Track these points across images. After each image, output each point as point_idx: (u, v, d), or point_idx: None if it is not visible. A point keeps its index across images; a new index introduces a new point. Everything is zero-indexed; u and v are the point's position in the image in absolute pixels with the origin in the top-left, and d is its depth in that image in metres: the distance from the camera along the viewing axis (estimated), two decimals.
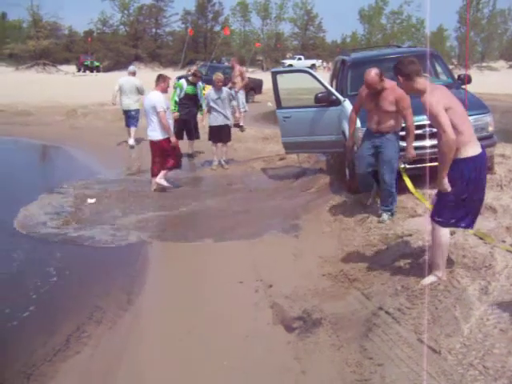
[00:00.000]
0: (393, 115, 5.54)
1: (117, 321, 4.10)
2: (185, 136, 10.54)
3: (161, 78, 7.92)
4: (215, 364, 3.48)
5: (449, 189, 3.62)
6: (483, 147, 3.77)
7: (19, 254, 5.48)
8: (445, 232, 3.77)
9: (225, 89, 9.78)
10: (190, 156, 10.78)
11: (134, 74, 12.22)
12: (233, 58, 15.22)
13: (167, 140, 7.71)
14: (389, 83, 5.50)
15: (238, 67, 14.03)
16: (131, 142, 11.90)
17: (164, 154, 7.78)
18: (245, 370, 3.39)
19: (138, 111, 11.84)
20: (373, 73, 5.44)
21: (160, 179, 7.81)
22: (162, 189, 7.86)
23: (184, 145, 10.68)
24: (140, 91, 11.80)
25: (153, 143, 7.85)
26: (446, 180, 3.62)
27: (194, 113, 10.52)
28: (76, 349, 3.69)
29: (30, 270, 5.14)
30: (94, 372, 3.46)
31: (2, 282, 4.88)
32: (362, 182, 6.10)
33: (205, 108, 9.80)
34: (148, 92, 8.87)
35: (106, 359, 3.59)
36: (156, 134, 7.73)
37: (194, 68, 10.77)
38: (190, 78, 10.51)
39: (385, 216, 5.55)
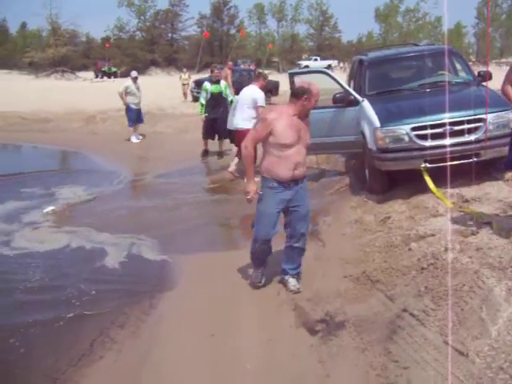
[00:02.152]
0: None
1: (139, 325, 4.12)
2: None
3: (260, 76, 8.59)
4: (238, 367, 3.47)
5: None
6: None
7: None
8: None
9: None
10: (220, 155, 10.89)
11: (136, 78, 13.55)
12: (229, 63, 15.71)
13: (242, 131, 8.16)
14: None
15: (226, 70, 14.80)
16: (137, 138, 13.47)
17: None
18: (268, 374, 3.37)
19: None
20: None
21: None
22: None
23: (214, 145, 11.05)
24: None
25: (239, 132, 8.19)
26: None
27: (222, 111, 10.53)
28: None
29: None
30: (118, 375, 3.48)
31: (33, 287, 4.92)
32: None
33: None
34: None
35: (129, 363, 3.60)
36: (246, 123, 7.95)
37: (212, 67, 10.99)
38: (212, 78, 10.70)
39: (293, 281, 4.57)
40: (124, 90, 13.14)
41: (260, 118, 4.22)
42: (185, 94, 22.41)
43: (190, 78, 23.66)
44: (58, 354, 3.73)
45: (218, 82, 10.67)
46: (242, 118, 8.34)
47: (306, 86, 4.30)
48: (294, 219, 4.42)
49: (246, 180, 4.21)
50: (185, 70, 26.01)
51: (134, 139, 13.45)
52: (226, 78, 14.22)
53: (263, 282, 4.64)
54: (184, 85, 23.03)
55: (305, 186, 4.46)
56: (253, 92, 8.25)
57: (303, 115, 4.31)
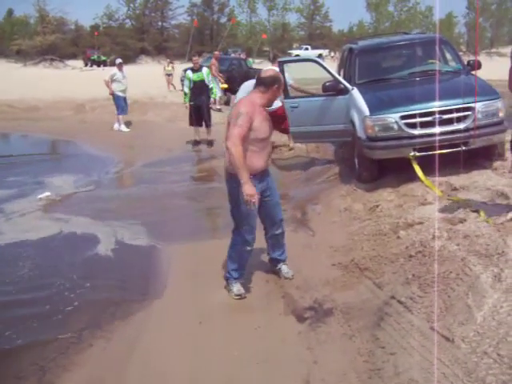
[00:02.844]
0: None
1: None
2: None
3: (276, 57, 8.92)
4: (226, 355, 3.48)
5: None
6: None
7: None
8: None
9: None
10: (209, 143, 10.95)
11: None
12: (216, 52, 16.14)
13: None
14: None
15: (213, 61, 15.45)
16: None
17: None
18: (256, 361, 3.38)
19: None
20: None
21: None
22: None
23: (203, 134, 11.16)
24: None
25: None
26: None
27: (205, 100, 10.88)
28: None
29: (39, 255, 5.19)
30: (108, 359, 3.50)
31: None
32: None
33: (217, 91, 10.23)
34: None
35: (118, 349, 3.61)
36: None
37: (194, 58, 11.22)
38: (193, 67, 10.95)
39: (285, 268, 4.57)
40: (110, 78, 13.08)
41: (238, 113, 3.87)
42: (169, 85, 22.17)
43: (173, 68, 23.39)
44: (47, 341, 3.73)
45: (199, 69, 10.82)
46: None
47: (274, 73, 4.12)
48: (270, 208, 4.29)
49: (242, 183, 3.80)
50: (168, 60, 25.68)
51: (123, 128, 13.37)
52: (211, 67, 14.38)
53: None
54: (168, 75, 22.76)
55: (270, 172, 4.35)
56: None
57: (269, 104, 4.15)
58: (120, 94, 13.13)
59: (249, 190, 3.81)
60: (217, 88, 14.32)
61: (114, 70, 13.44)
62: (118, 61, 13.66)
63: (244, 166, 3.82)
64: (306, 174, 7.99)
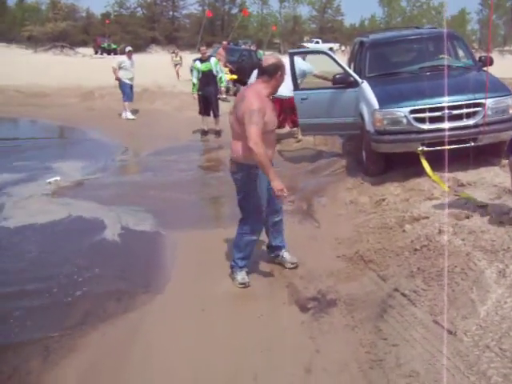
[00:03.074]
0: None
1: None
2: None
3: (300, 47, 9.25)
4: (229, 343, 3.50)
5: None
6: None
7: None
8: None
9: None
10: (217, 133, 10.96)
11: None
12: (224, 42, 16.08)
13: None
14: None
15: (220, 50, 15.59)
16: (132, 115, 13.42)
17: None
18: (259, 349, 3.40)
19: None
20: None
21: None
22: None
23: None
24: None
25: (283, 101, 8.72)
26: None
27: (213, 90, 10.93)
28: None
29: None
30: (111, 345, 3.52)
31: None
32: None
33: (225, 81, 10.31)
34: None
35: (121, 335, 3.64)
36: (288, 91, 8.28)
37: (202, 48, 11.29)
38: (201, 57, 11.01)
39: (288, 256, 4.60)
40: (118, 65, 13.15)
41: (251, 110, 3.80)
42: (177, 74, 22.27)
43: (181, 58, 23.44)
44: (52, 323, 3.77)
45: (207, 60, 10.85)
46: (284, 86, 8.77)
47: (277, 60, 4.05)
48: (272, 196, 4.18)
49: (271, 180, 3.86)
50: (177, 50, 25.65)
51: (129, 115, 13.41)
52: (219, 56, 14.39)
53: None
54: (176, 65, 22.95)
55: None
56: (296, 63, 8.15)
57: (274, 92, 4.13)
58: (127, 81, 13.20)
59: (279, 185, 3.87)
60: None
61: (123, 57, 13.52)
62: (128, 48, 13.75)
63: (269, 163, 3.89)
64: (313, 166, 7.98)
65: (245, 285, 4.27)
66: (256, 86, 4.07)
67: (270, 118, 3.97)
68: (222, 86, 11.36)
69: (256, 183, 4.09)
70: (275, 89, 4.10)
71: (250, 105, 3.86)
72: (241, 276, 4.30)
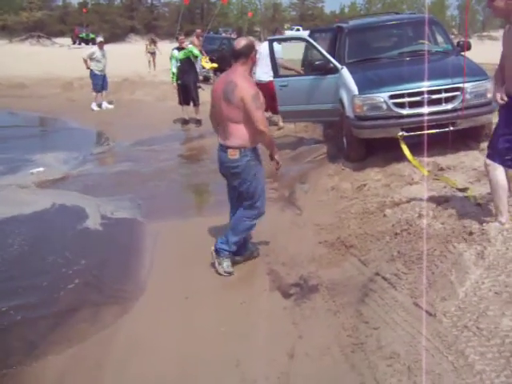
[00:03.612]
0: None
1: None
2: None
3: (277, 31, 9.98)
4: (212, 330, 3.51)
5: None
6: None
7: None
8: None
9: None
10: (197, 122, 10.89)
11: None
12: (198, 30, 15.80)
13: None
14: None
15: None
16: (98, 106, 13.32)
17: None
18: (242, 336, 3.41)
19: None
20: None
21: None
22: None
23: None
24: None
25: (262, 85, 8.28)
26: None
27: (193, 78, 10.92)
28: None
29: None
30: (95, 335, 3.52)
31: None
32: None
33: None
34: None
35: (105, 324, 3.63)
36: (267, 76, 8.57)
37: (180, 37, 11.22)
38: (178, 46, 11.01)
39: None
40: (89, 56, 13.02)
41: (253, 95, 3.90)
42: (150, 63, 21.52)
43: (156, 47, 22.65)
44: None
45: (184, 48, 10.86)
46: (262, 71, 9.04)
47: (248, 40, 4.12)
48: None
49: (276, 156, 4.23)
50: (155, 39, 24.67)
51: (106, 105, 13.42)
52: (194, 45, 14.22)
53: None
54: (151, 53, 22.00)
55: None
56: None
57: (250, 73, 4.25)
58: (97, 72, 13.08)
59: (279, 159, 4.32)
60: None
61: (94, 48, 13.36)
62: (99, 39, 13.67)
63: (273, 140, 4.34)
64: (294, 153, 7.98)
65: (230, 274, 4.27)
66: (238, 71, 4.04)
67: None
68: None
69: (261, 164, 4.20)
70: (251, 69, 4.21)
71: (248, 90, 3.93)
72: (226, 263, 4.29)
